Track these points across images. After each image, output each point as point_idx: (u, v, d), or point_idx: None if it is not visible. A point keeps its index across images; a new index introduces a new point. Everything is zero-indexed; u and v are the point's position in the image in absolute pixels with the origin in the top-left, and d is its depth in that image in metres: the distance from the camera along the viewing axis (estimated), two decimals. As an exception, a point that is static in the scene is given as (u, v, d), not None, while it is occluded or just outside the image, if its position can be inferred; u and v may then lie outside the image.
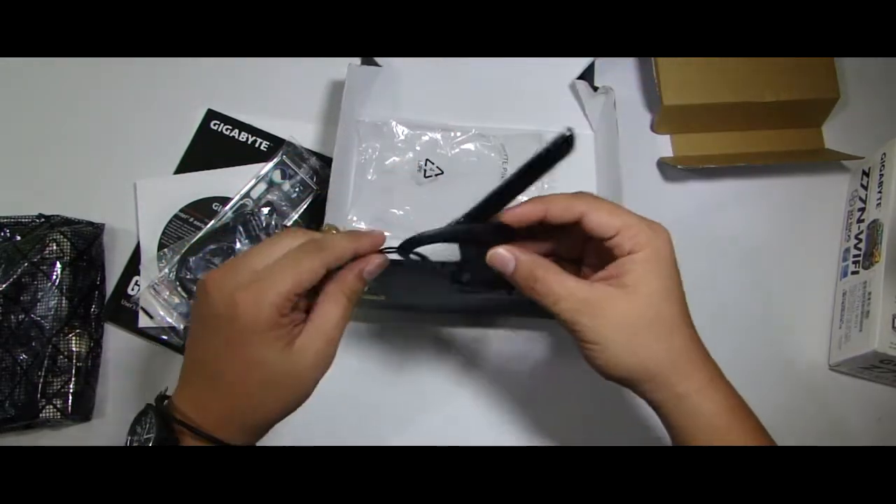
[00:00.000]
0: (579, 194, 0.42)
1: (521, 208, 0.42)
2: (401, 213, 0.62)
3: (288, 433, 0.56)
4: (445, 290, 0.55)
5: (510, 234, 0.42)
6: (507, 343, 0.60)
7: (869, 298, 0.58)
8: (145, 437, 0.40)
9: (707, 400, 0.40)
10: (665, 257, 0.40)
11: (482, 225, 0.42)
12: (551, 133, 0.65)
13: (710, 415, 0.40)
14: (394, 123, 0.65)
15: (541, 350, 0.60)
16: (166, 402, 0.41)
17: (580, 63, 0.65)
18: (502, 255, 0.42)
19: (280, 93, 0.68)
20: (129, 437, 0.40)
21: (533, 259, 0.41)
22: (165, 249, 0.61)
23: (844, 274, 0.63)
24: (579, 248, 0.45)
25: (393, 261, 0.53)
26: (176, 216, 0.63)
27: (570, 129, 0.38)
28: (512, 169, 0.63)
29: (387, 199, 0.63)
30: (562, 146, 0.38)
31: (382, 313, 0.60)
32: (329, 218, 0.54)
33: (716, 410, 0.40)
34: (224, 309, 0.38)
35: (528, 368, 0.60)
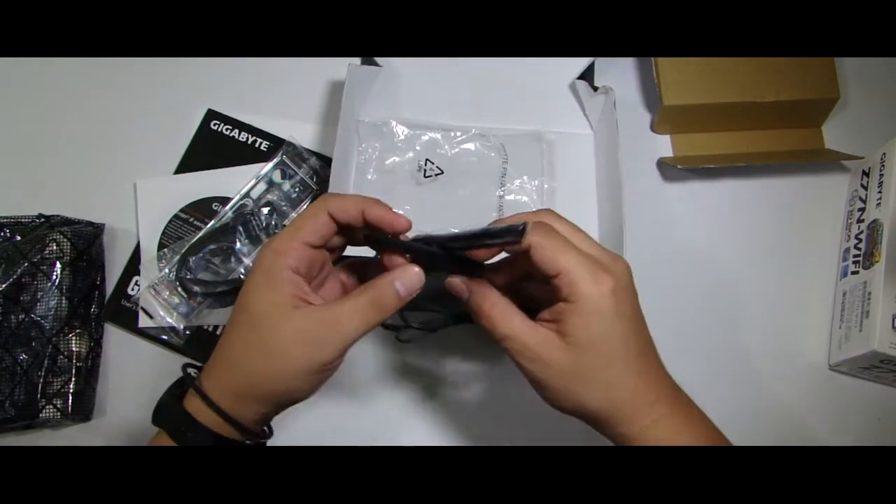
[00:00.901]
0: (539, 222, 0.40)
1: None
2: (400, 213, 0.62)
3: (285, 429, 0.56)
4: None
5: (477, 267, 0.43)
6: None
7: (869, 298, 0.58)
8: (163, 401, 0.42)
9: (671, 433, 0.40)
10: (601, 310, 0.38)
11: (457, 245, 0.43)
12: (552, 133, 0.66)
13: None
14: (394, 123, 0.65)
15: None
16: (193, 370, 0.42)
17: (580, 63, 0.65)
18: (457, 285, 0.42)
19: (280, 93, 0.68)
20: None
21: (482, 293, 0.41)
22: (165, 249, 0.61)
23: (844, 274, 0.63)
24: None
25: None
26: (176, 216, 0.63)
27: (524, 224, 0.39)
28: (511, 170, 0.64)
29: (387, 199, 0.62)
30: (512, 234, 0.39)
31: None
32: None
33: (682, 443, 0.40)
34: (252, 268, 0.41)
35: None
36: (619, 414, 0.40)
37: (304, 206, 0.63)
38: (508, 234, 0.39)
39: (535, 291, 0.44)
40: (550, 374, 0.39)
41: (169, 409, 0.41)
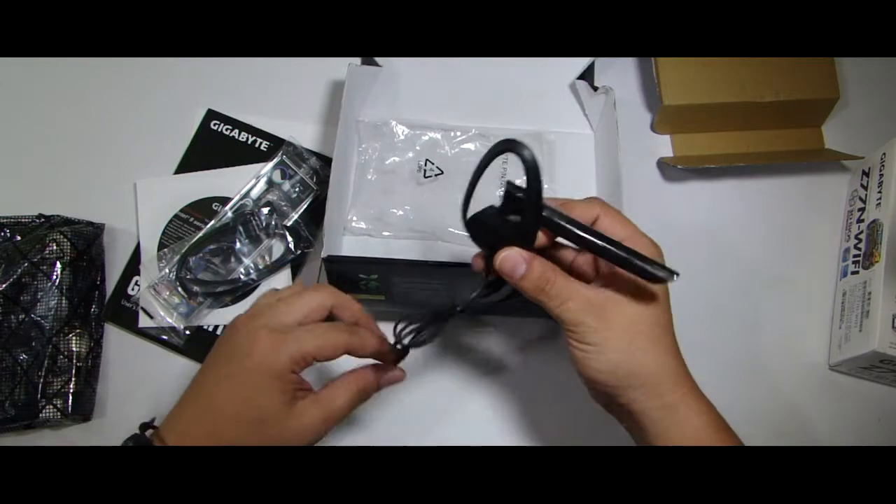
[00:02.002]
0: (591, 199, 0.43)
1: (513, 257, 0.42)
2: (400, 213, 0.62)
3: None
4: (445, 290, 0.55)
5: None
6: (505, 343, 0.60)
7: (869, 298, 0.58)
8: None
9: (693, 413, 0.41)
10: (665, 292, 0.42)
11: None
12: (552, 133, 0.66)
13: (696, 428, 0.40)
14: (394, 123, 0.65)
15: (540, 350, 0.60)
16: (151, 430, 0.42)
17: (580, 63, 0.65)
18: (514, 259, 0.41)
19: (280, 93, 0.68)
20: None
21: (543, 262, 0.41)
22: (165, 249, 0.61)
23: (844, 274, 0.63)
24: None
25: (394, 260, 0.53)
26: (176, 216, 0.63)
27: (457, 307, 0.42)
28: (511, 170, 0.64)
29: (387, 199, 0.63)
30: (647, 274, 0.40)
31: (383, 313, 0.60)
32: (328, 218, 0.54)
33: (701, 426, 0.41)
34: (246, 341, 0.41)
35: (528, 367, 0.60)
36: (670, 377, 0.41)
37: (303, 206, 0.63)
38: (644, 273, 0.40)
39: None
40: (614, 331, 0.40)
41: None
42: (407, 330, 0.44)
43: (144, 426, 0.43)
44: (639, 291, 0.41)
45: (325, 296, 0.45)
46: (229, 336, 0.43)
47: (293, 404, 0.41)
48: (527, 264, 0.41)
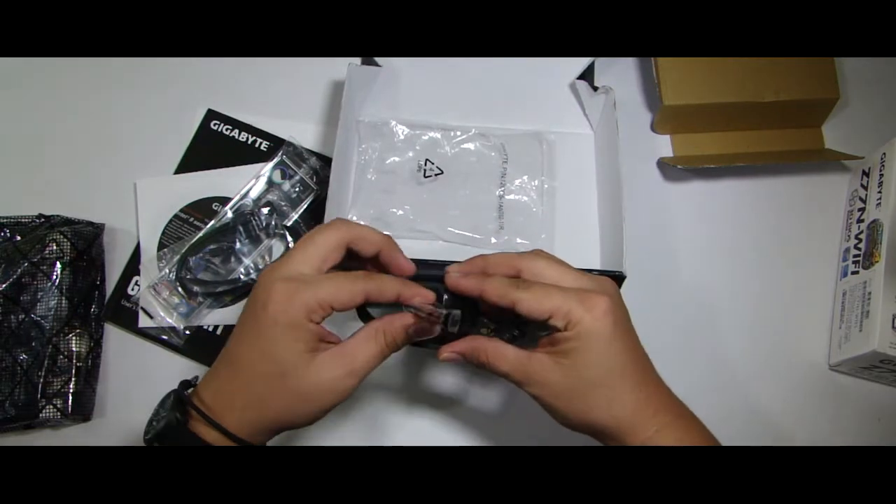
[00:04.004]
0: (515, 280, 0.43)
1: (462, 282, 0.44)
2: (400, 212, 0.62)
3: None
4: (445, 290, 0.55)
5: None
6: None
7: (869, 298, 0.58)
8: (162, 414, 0.41)
9: (672, 442, 0.41)
10: (596, 332, 0.41)
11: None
12: (552, 133, 0.66)
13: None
14: (393, 123, 0.65)
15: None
16: (192, 388, 0.42)
17: (580, 63, 0.65)
18: (450, 356, 0.44)
19: (280, 93, 0.68)
20: (152, 416, 0.42)
21: (472, 347, 0.44)
22: (165, 249, 0.61)
23: (844, 274, 0.63)
24: None
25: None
26: (176, 216, 0.63)
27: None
28: (511, 170, 0.64)
29: (387, 199, 0.63)
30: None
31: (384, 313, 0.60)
32: (328, 217, 0.54)
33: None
34: (262, 295, 0.40)
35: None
36: (622, 427, 0.41)
37: (303, 206, 0.63)
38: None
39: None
40: (553, 394, 0.42)
41: (178, 435, 0.40)
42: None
43: (185, 384, 0.43)
44: (565, 355, 0.41)
45: (339, 234, 0.42)
46: (252, 292, 0.41)
47: (314, 356, 0.40)
48: (460, 356, 0.44)
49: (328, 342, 0.42)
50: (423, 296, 0.43)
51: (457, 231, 0.62)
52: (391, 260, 0.44)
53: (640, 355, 0.43)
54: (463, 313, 0.43)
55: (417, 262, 0.45)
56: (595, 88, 0.64)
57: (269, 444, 0.44)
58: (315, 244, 0.42)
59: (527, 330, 0.45)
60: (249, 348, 0.41)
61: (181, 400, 0.41)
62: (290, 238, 0.61)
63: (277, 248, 0.62)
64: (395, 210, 0.62)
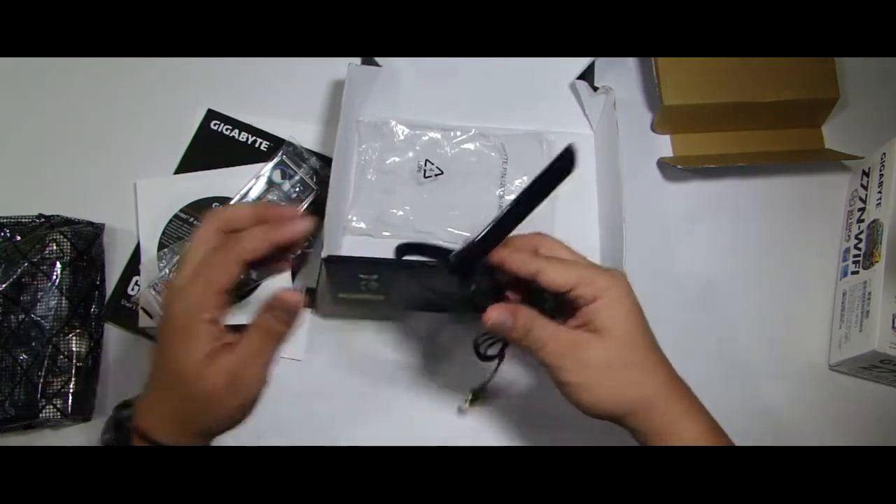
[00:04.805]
0: (535, 254, 0.44)
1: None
2: (401, 213, 0.62)
3: (281, 430, 0.56)
4: (445, 290, 0.55)
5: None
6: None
7: (869, 298, 0.58)
8: (104, 437, 0.45)
9: (688, 427, 0.42)
10: (626, 297, 0.42)
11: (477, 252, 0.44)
12: (552, 133, 0.66)
13: (691, 441, 0.41)
14: (393, 123, 0.65)
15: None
16: (129, 408, 0.44)
17: (580, 63, 0.65)
18: (500, 315, 0.43)
19: (280, 93, 0.68)
20: (101, 437, 0.45)
21: (525, 311, 0.43)
22: (165, 249, 0.61)
23: (844, 274, 0.63)
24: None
25: (395, 260, 0.53)
26: (176, 216, 0.63)
27: (571, 145, 0.40)
28: (511, 170, 0.64)
29: (387, 200, 0.63)
30: (565, 162, 0.40)
31: (387, 314, 0.60)
32: (328, 218, 0.54)
33: (695, 438, 0.41)
34: (165, 316, 0.42)
35: (528, 367, 0.60)
36: (660, 399, 0.42)
37: (303, 206, 0.63)
38: (559, 167, 0.43)
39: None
40: (594, 369, 0.41)
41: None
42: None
43: (124, 405, 0.44)
44: (601, 325, 0.42)
45: (209, 224, 0.43)
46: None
47: (211, 361, 0.40)
48: (513, 316, 0.43)
49: (227, 343, 0.41)
50: (294, 229, 0.42)
51: (457, 231, 0.62)
52: (271, 216, 0.43)
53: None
54: (484, 289, 0.43)
55: (419, 247, 0.46)
56: (595, 88, 0.64)
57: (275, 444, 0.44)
58: (193, 244, 0.42)
59: (555, 307, 0.44)
60: (163, 361, 0.42)
61: (116, 421, 0.44)
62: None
63: (277, 248, 0.61)
64: (395, 210, 0.62)
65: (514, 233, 0.45)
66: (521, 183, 0.64)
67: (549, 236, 0.46)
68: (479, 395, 0.56)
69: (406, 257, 0.47)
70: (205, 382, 0.40)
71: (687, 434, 0.41)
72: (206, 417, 0.42)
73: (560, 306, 0.44)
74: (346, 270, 0.53)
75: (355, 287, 0.55)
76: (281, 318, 0.42)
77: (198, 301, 0.40)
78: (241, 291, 0.57)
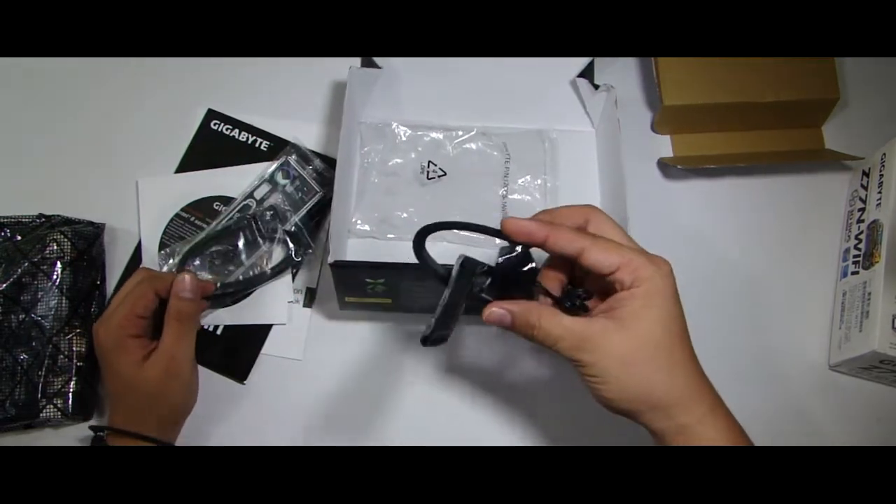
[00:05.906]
0: (581, 230, 0.42)
1: (526, 225, 0.42)
2: (405, 215, 0.62)
3: (281, 430, 0.57)
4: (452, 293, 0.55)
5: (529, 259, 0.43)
6: (509, 342, 0.60)
7: (869, 298, 0.58)
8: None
9: (709, 429, 0.41)
10: (664, 291, 0.41)
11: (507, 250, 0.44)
12: (554, 130, 0.66)
13: (707, 442, 0.40)
14: (395, 125, 0.65)
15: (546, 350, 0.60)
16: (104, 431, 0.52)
17: (581, 62, 0.65)
18: (498, 313, 0.42)
19: (280, 93, 0.68)
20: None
21: (525, 308, 0.42)
22: (166, 249, 0.61)
23: (844, 274, 0.63)
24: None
25: (402, 264, 0.52)
26: (177, 215, 0.63)
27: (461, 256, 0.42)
28: (514, 168, 0.64)
29: (390, 202, 0.63)
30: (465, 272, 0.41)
31: (388, 315, 0.60)
32: (334, 221, 0.55)
33: (712, 438, 0.40)
34: (96, 343, 0.52)
35: (535, 367, 0.60)
36: (682, 398, 0.40)
37: (306, 208, 0.63)
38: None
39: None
40: (611, 362, 0.40)
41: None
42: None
43: (97, 428, 0.52)
44: (629, 315, 0.40)
45: (143, 288, 0.52)
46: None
47: (144, 363, 0.50)
48: (510, 314, 0.42)
49: (154, 348, 0.51)
50: (192, 284, 0.53)
51: (461, 233, 0.62)
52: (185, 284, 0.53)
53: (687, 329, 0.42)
54: (493, 281, 0.42)
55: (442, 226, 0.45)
56: (596, 86, 0.64)
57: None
58: (132, 295, 0.52)
59: (588, 298, 0.43)
60: (108, 377, 0.52)
61: (93, 429, 0.52)
62: (291, 244, 0.61)
63: (278, 251, 0.61)
64: (399, 212, 0.62)
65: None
66: (523, 181, 0.64)
67: (600, 210, 0.44)
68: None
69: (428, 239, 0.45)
70: (146, 380, 0.50)
71: (705, 435, 0.40)
72: (160, 407, 0.51)
73: (603, 289, 0.42)
74: (353, 275, 0.53)
75: (362, 291, 0.55)
76: (184, 298, 0.52)
77: (121, 321, 0.51)
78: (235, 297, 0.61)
